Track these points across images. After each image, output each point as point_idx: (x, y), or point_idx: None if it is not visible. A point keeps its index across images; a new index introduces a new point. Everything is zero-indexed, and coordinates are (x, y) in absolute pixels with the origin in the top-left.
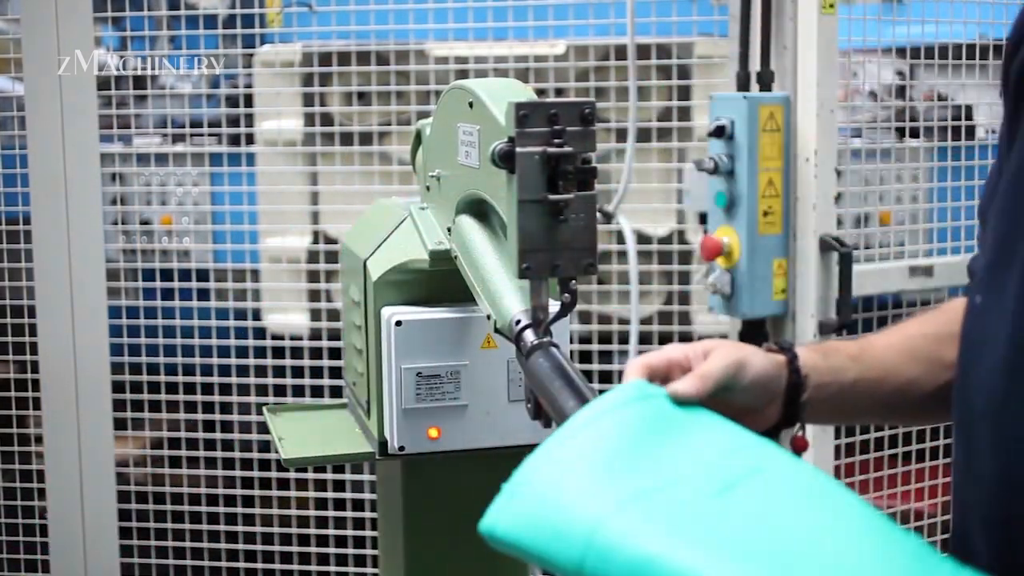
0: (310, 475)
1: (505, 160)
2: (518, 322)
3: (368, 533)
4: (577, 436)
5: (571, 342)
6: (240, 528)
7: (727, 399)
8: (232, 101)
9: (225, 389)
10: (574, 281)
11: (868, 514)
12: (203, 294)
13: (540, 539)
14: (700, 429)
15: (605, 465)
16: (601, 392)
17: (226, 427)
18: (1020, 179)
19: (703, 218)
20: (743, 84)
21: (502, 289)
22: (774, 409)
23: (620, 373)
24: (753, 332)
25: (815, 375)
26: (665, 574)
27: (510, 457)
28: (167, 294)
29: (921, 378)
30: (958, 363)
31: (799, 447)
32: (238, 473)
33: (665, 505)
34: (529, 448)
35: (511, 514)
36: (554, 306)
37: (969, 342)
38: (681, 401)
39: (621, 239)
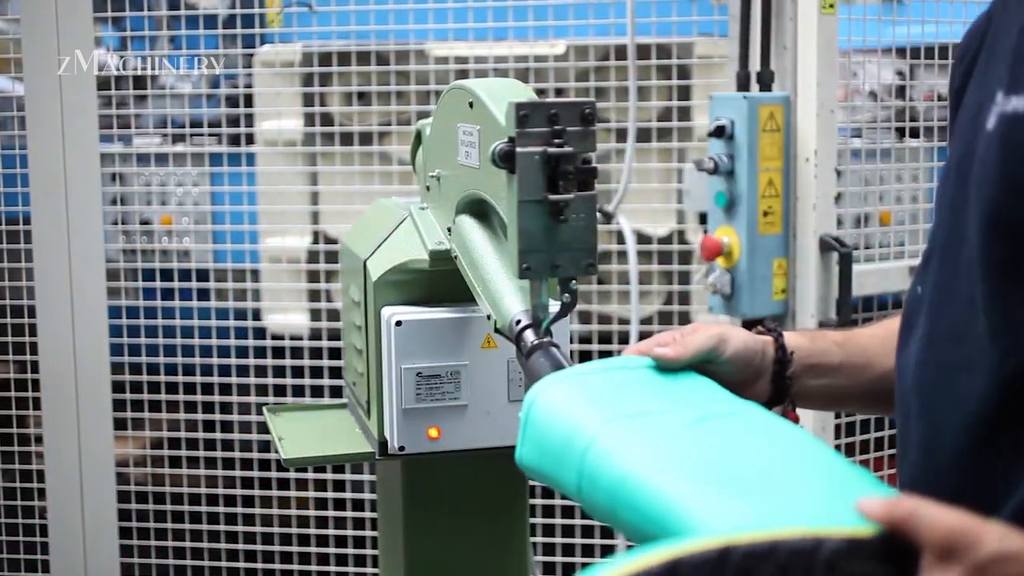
0: (310, 475)
1: (505, 160)
2: (518, 322)
3: (368, 533)
4: (571, 380)
5: (571, 342)
6: (240, 528)
7: (713, 371)
8: (232, 101)
9: (225, 389)
10: (574, 281)
11: (827, 453)
12: (203, 294)
13: (549, 466)
14: (683, 382)
15: (593, 401)
16: None
17: (226, 427)
18: (944, 181)
19: (703, 218)
20: (743, 84)
21: (502, 289)
22: (763, 385)
23: None
24: None
25: (801, 353)
26: (635, 492)
27: (510, 457)
28: (167, 294)
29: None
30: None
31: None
32: (238, 473)
33: (641, 430)
34: None
35: (527, 446)
36: (554, 306)
37: (903, 330)
38: (665, 367)
39: (621, 239)
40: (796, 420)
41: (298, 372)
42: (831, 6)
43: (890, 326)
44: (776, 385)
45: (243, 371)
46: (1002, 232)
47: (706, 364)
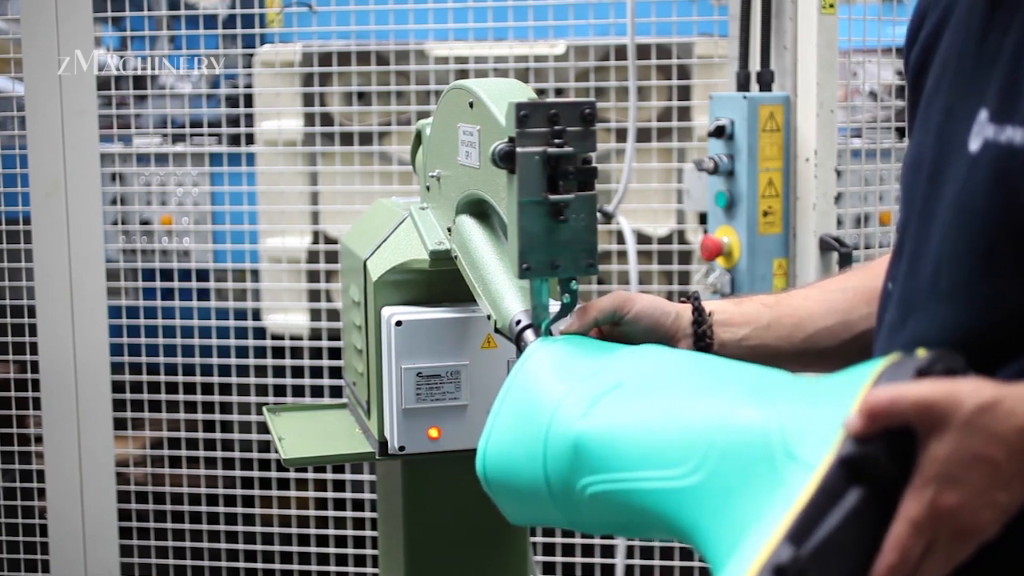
0: (310, 475)
1: (505, 160)
2: (518, 322)
3: (368, 533)
4: (510, 387)
5: None
6: (240, 528)
7: (623, 333)
8: (232, 101)
9: (225, 389)
10: (574, 281)
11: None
12: (203, 294)
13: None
14: (593, 348)
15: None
16: None
17: (226, 427)
18: (911, 177)
19: (703, 218)
20: (743, 84)
21: (502, 289)
22: (684, 345)
23: None
24: None
25: (722, 316)
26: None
27: None
28: (167, 294)
29: (834, 327)
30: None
31: None
32: (238, 473)
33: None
34: None
35: (489, 456)
36: (554, 306)
37: (877, 321)
38: (574, 335)
39: (621, 239)
40: None
41: (298, 372)
42: (831, 6)
43: (826, 286)
44: (697, 345)
45: (243, 371)
46: (997, 266)
47: (614, 327)
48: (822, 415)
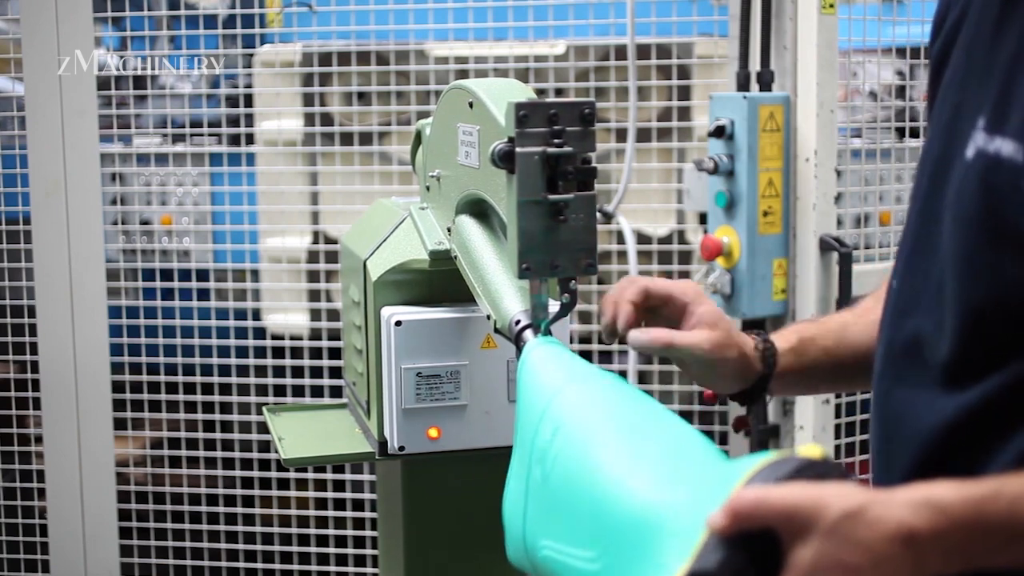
0: (310, 475)
1: (505, 160)
2: (518, 322)
3: (368, 533)
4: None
5: (571, 342)
6: (240, 528)
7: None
8: (232, 101)
9: (225, 389)
10: (574, 281)
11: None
12: (203, 294)
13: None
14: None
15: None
16: None
17: (226, 427)
18: (920, 175)
19: (703, 218)
20: (743, 84)
21: (502, 289)
22: (734, 385)
23: (621, 373)
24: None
25: (783, 371)
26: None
27: (510, 457)
28: (167, 294)
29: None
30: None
31: (740, 426)
32: (238, 473)
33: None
34: None
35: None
36: (554, 306)
37: (881, 319)
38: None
39: (621, 239)
40: (745, 425)
41: (298, 372)
42: (831, 6)
43: (877, 313)
44: (750, 395)
45: (243, 371)
46: (979, 276)
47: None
48: (704, 507)
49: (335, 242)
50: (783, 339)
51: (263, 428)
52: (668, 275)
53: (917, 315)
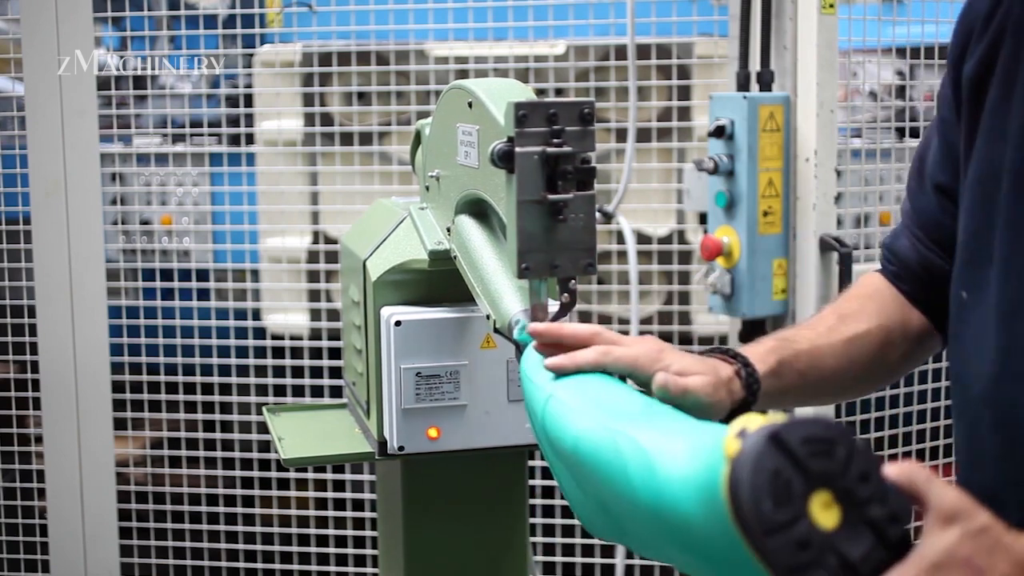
0: (310, 475)
1: (504, 160)
2: (517, 322)
3: (368, 533)
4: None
5: None
6: (240, 528)
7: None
8: (232, 101)
9: (225, 389)
10: (573, 281)
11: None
12: (203, 294)
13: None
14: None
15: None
16: None
17: (226, 427)
18: (985, 182)
19: (703, 218)
20: (743, 84)
21: (501, 289)
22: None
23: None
24: (753, 332)
25: (764, 395)
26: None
27: (510, 457)
28: (167, 294)
29: (853, 381)
30: (950, 356)
31: None
32: (238, 473)
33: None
34: (528, 448)
35: None
36: (553, 306)
37: (959, 336)
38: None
39: (621, 239)
40: None
41: (298, 372)
42: (831, 6)
43: (846, 332)
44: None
45: (243, 371)
46: None
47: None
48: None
49: (335, 242)
50: (763, 363)
51: (263, 428)
52: (668, 275)
53: None
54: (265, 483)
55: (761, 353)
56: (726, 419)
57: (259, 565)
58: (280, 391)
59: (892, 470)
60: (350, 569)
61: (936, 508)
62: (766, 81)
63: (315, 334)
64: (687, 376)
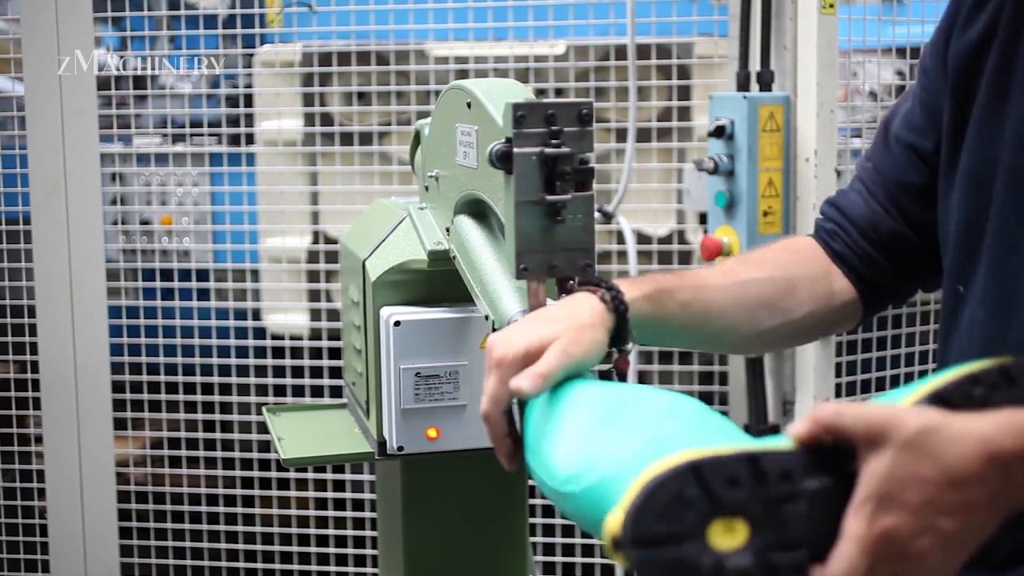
0: (310, 475)
1: (502, 161)
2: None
3: (368, 533)
4: None
5: None
6: (240, 528)
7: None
8: (232, 101)
9: (225, 389)
10: (572, 282)
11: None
12: (203, 294)
13: None
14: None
15: None
16: None
17: (226, 427)
18: (981, 174)
19: (703, 218)
20: (743, 84)
21: (500, 290)
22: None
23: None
24: None
25: (639, 322)
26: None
27: None
28: (167, 294)
29: (744, 324)
30: (941, 350)
31: (622, 369)
32: (238, 473)
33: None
34: None
35: None
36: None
37: (952, 329)
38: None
39: (621, 239)
40: (627, 365)
41: (298, 372)
42: (831, 6)
43: (739, 276)
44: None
45: (243, 371)
46: None
47: None
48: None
49: (335, 242)
50: (637, 287)
51: (263, 428)
52: None
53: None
54: (265, 483)
55: (639, 281)
56: (611, 344)
57: (259, 565)
58: (280, 391)
59: (798, 427)
60: (350, 569)
61: (859, 434)
62: (766, 81)
63: (315, 334)
64: (544, 357)
